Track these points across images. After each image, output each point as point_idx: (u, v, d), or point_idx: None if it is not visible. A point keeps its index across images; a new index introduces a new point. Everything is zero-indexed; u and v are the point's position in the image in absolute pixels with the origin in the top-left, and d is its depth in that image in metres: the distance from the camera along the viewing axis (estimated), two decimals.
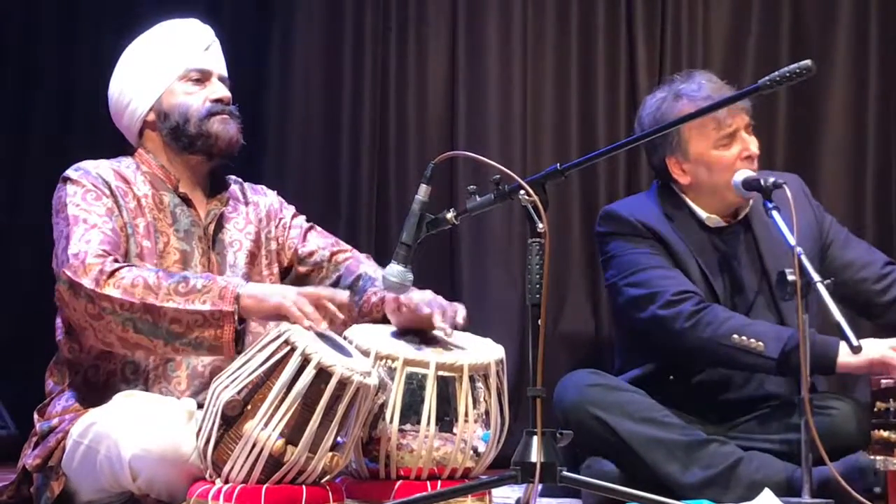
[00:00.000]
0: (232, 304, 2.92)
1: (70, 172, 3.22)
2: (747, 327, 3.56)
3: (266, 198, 3.48)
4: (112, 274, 2.96)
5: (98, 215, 3.12)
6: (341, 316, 2.96)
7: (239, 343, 2.95)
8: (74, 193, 3.16)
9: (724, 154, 3.72)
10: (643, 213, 3.81)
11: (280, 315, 2.91)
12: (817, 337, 3.46)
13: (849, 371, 3.50)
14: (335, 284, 3.38)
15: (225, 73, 3.36)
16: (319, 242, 3.46)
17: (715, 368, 3.68)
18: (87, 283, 2.96)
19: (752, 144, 3.73)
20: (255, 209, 3.43)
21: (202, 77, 3.31)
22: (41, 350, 3.47)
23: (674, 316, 3.61)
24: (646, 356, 3.78)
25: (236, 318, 2.93)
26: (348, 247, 3.49)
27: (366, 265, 3.42)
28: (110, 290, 2.94)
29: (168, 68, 3.29)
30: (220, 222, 3.33)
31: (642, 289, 3.71)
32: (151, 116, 3.30)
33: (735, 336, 3.54)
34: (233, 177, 3.44)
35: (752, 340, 3.53)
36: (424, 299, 3.13)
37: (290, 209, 3.51)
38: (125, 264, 3.01)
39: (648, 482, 3.41)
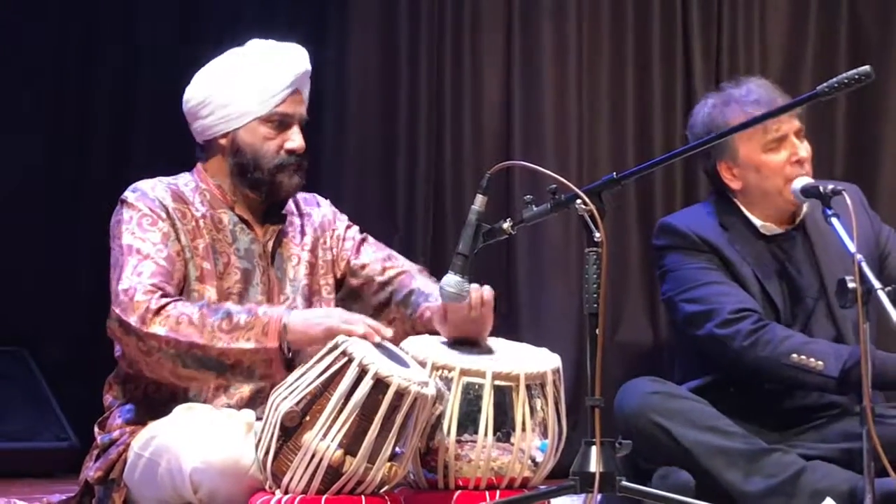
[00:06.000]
0: (275, 339, 2.93)
1: (127, 195, 3.21)
2: (806, 346, 3.53)
3: (319, 209, 3.46)
4: (158, 312, 2.97)
5: (152, 243, 3.11)
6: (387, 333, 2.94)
7: (291, 369, 2.95)
8: (130, 219, 3.15)
9: (772, 158, 3.69)
10: (699, 224, 3.78)
11: (330, 336, 2.90)
12: (878, 354, 3.43)
13: None
14: (388, 300, 3.37)
15: (305, 112, 3.30)
16: (372, 255, 3.43)
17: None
18: (134, 321, 2.97)
19: (802, 149, 3.70)
20: (309, 220, 3.41)
21: (283, 122, 3.24)
22: (101, 362, 3.50)
23: (732, 335, 3.59)
24: (706, 368, 3.75)
25: (284, 350, 2.94)
26: (401, 260, 3.46)
27: (419, 280, 3.38)
28: (156, 329, 2.95)
29: (253, 105, 3.21)
30: (278, 239, 3.32)
31: (699, 305, 3.68)
32: (223, 142, 3.25)
33: (794, 355, 3.52)
34: None
35: (812, 360, 3.51)
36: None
37: (344, 219, 3.49)
38: (172, 299, 3.01)
39: (707, 491, 3.39)
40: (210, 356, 2.94)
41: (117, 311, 3.01)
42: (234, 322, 2.95)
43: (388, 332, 2.97)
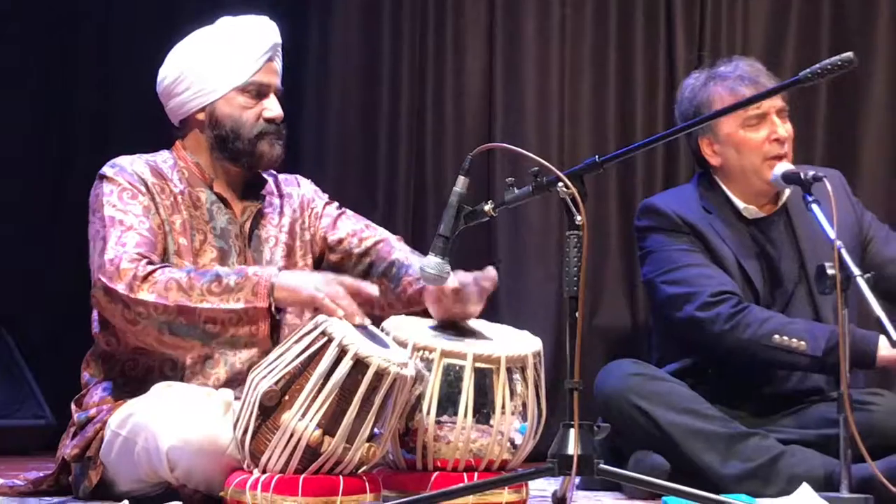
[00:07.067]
0: (266, 299, 2.93)
1: (106, 170, 3.21)
2: (787, 326, 3.54)
3: (299, 188, 3.46)
4: (146, 278, 2.96)
5: (134, 215, 3.12)
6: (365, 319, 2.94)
7: (275, 335, 2.96)
8: (111, 192, 3.16)
9: (751, 135, 3.70)
10: (682, 206, 3.79)
11: (314, 304, 2.92)
12: (857, 332, 3.44)
13: (888, 365, 3.49)
14: (368, 271, 3.37)
15: (280, 84, 3.31)
16: (349, 228, 3.43)
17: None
18: (122, 288, 2.96)
19: (781, 128, 3.70)
20: (289, 201, 3.41)
21: (260, 91, 3.25)
22: (78, 341, 3.49)
23: (712, 318, 3.60)
24: (684, 351, 3.76)
25: (272, 311, 2.94)
26: (378, 229, 3.47)
27: (398, 250, 3.40)
28: (144, 295, 2.95)
29: (230, 75, 3.23)
30: (256, 219, 3.32)
31: (679, 287, 3.69)
32: (201, 116, 3.26)
33: (776, 336, 3.53)
34: None
35: (794, 340, 3.52)
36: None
37: (324, 197, 3.49)
38: (159, 266, 3.01)
39: (684, 473, 3.40)
40: (198, 322, 2.93)
41: (103, 279, 3.00)
42: (223, 284, 2.94)
43: (374, 289, 2.98)
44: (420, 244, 4.81)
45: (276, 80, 3.30)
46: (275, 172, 3.45)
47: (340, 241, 3.41)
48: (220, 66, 3.23)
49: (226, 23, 3.30)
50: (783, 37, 5.09)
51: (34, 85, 5.35)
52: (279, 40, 3.31)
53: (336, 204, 3.49)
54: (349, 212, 3.49)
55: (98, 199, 3.17)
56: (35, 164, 5.32)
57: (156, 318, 2.95)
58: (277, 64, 3.31)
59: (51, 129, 5.34)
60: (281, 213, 3.38)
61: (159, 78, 3.32)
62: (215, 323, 2.93)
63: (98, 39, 5.33)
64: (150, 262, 3.01)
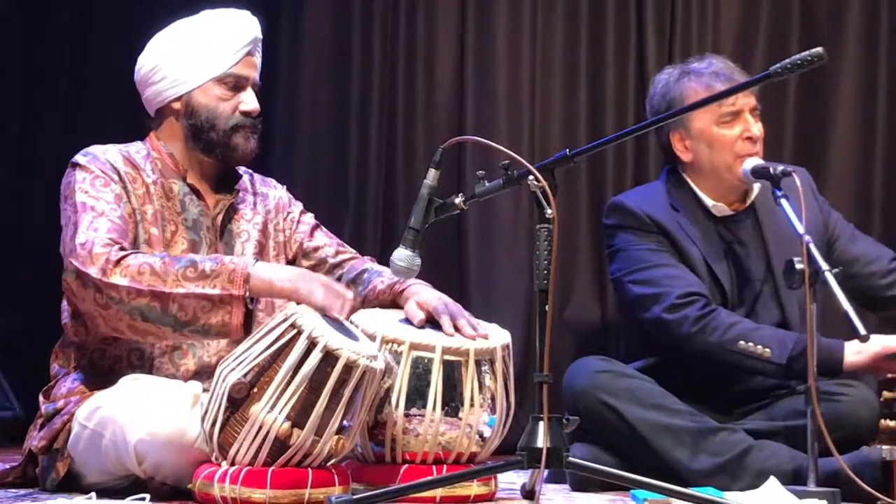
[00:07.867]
0: (241, 287, 2.92)
1: (79, 158, 3.21)
2: (753, 333, 3.55)
3: (276, 190, 3.48)
4: (118, 262, 2.95)
5: (106, 202, 3.11)
6: (341, 317, 2.95)
7: (249, 325, 2.95)
8: (83, 180, 3.15)
9: (725, 132, 3.71)
10: (650, 204, 3.79)
11: (294, 299, 2.92)
12: (822, 341, 3.44)
13: (855, 370, 3.50)
14: (337, 280, 3.37)
15: (258, 78, 3.32)
16: (326, 240, 3.47)
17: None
18: (94, 272, 2.95)
19: (755, 127, 3.71)
20: (264, 200, 3.42)
21: (238, 84, 3.26)
22: (48, 332, 3.48)
23: (679, 320, 3.60)
24: (652, 348, 3.77)
25: (246, 300, 2.93)
26: (353, 250, 3.51)
27: (370, 263, 3.44)
28: (117, 279, 2.94)
29: (208, 66, 3.23)
30: (228, 213, 3.32)
31: (647, 287, 3.69)
32: (177, 105, 3.26)
33: (741, 342, 3.53)
34: (242, 167, 3.43)
35: (759, 347, 3.52)
36: (442, 304, 3.15)
37: (299, 205, 3.51)
38: (132, 251, 3.00)
39: (653, 469, 3.41)
40: (170, 308, 2.92)
41: (75, 263, 2.99)
42: (199, 270, 2.94)
43: (349, 293, 2.98)
44: (390, 237, 4.85)
45: (255, 74, 3.31)
46: (250, 171, 3.46)
47: (317, 249, 3.44)
48: (199, 56, 3.23)
49: (207, 15, 3.31)
50: (753, 34, 5.10)
51: (5, 75, 5.31)
52: (260, 35, 3.32)
53: (312, 215, 3.51)
54: (323, 227, 3.52)
55: (70, 187, 3.16)
56: (3, 154, 5.28)
57: (128, 303, 2.94)
58: (257, 58, 3.32)
59: (22, 121, 5.30)
60: (254, 210, 3.38)
61: (137, 66, 3.31)
62: (186, 311, 2.93)
63: (76, 17, 5.29)
64: (122, 248, 3.01)
